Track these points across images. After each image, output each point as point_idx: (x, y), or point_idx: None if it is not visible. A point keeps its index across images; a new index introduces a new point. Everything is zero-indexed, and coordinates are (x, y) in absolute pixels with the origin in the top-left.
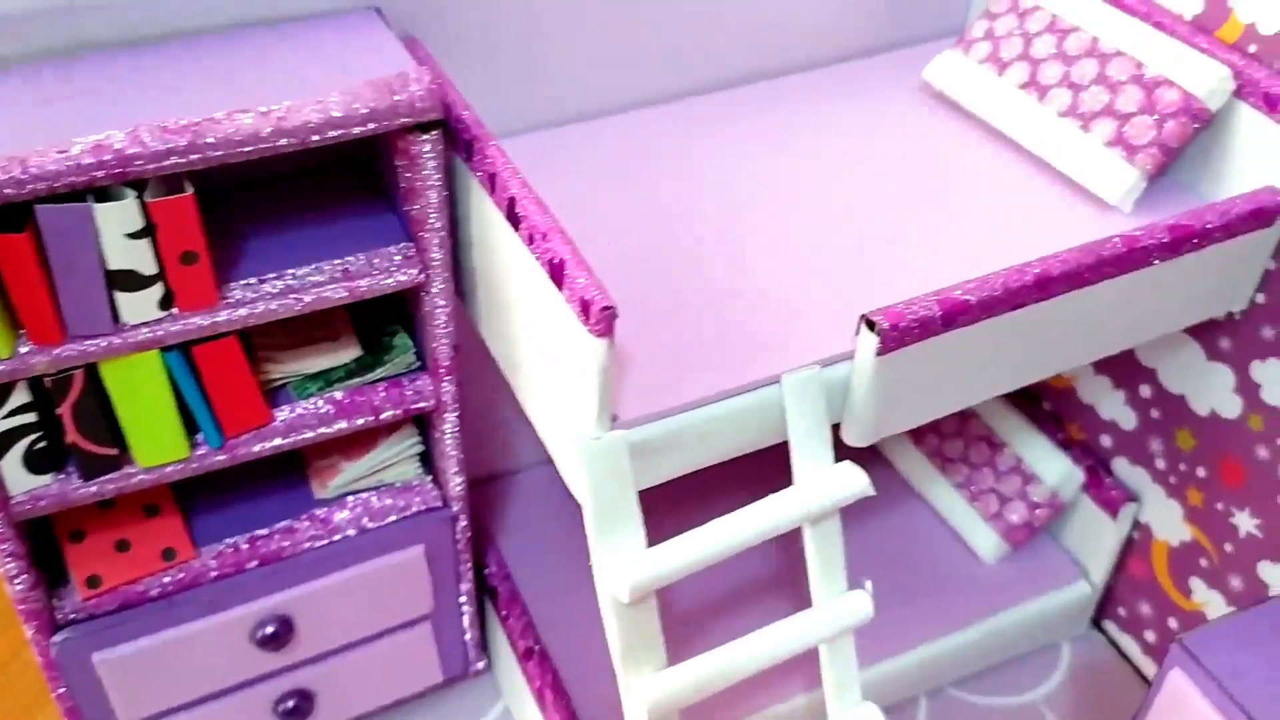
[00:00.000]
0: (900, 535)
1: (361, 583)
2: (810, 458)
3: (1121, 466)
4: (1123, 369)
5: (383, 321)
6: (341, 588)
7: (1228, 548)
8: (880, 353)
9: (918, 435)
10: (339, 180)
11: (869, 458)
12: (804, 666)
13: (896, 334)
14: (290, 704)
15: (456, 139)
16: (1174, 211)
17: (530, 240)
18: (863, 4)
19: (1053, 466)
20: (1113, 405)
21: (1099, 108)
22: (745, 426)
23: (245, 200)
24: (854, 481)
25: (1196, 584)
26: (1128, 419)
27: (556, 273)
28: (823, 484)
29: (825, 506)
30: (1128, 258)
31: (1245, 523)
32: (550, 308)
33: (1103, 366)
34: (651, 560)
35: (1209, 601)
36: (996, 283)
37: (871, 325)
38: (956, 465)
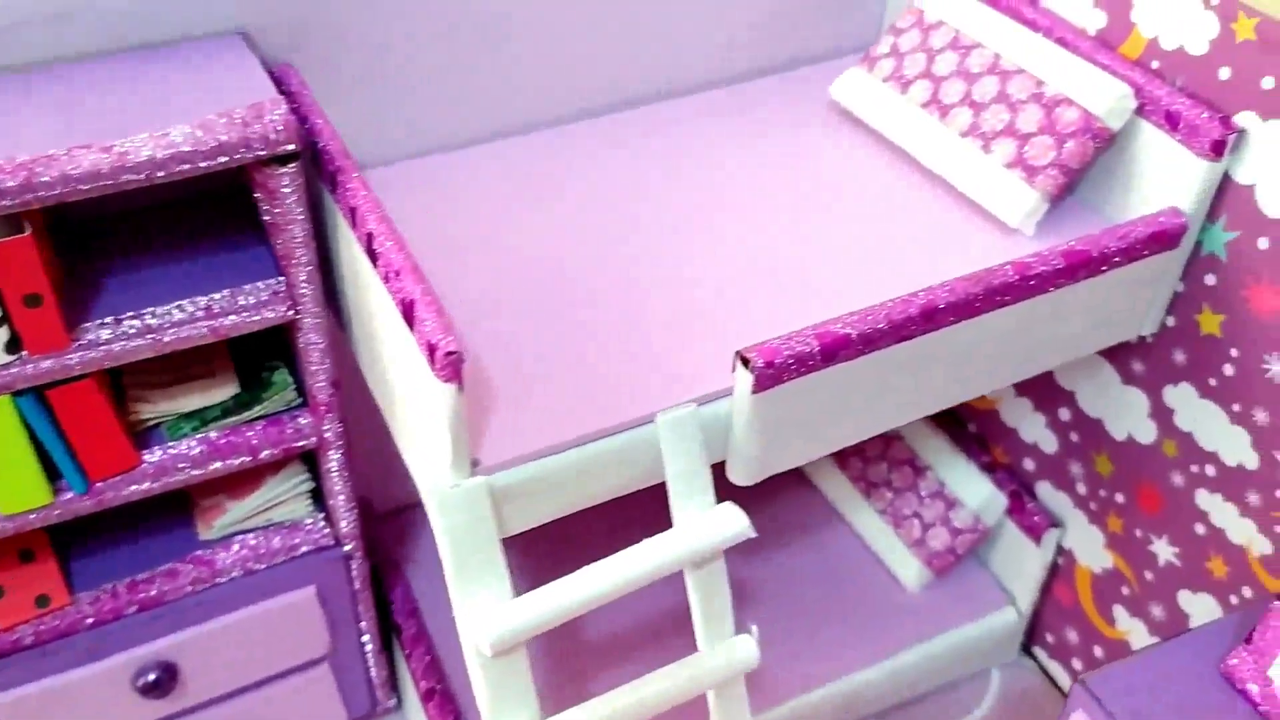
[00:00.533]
0: (825, 562)
1: (250, 626)
2: (689, 499)
3: (1045, 491)
4: (1043, 391)
5: (266, 355)
6: (228, 632)
7: (1148, 576)
8: (756, 390)
9: (842, 459)
10: (219, 210)
11: (794, 482)
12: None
13: (772, 371)
14: None
15: (323, 170)
16: (1079, 234)
17: (386, 278)
18: (772, 19)
19: (975, 491)
20: (1034, 428)
21: (1000, 127)
22: (618, 469)
23: (116, 232)
24: (734, 523)
25: (1120, 612)
26: (1049, 442)
27: (408, 313)
28: (702, 526)
29: (706, 549)
30: (1020, 286)
31: (1164, 551)
32: (407, 348)
33: (1023, 389)
34: (516, 611)
35: (1132, 630)
36: (879, 315)
37: (746, 362)
38: (880, 490)
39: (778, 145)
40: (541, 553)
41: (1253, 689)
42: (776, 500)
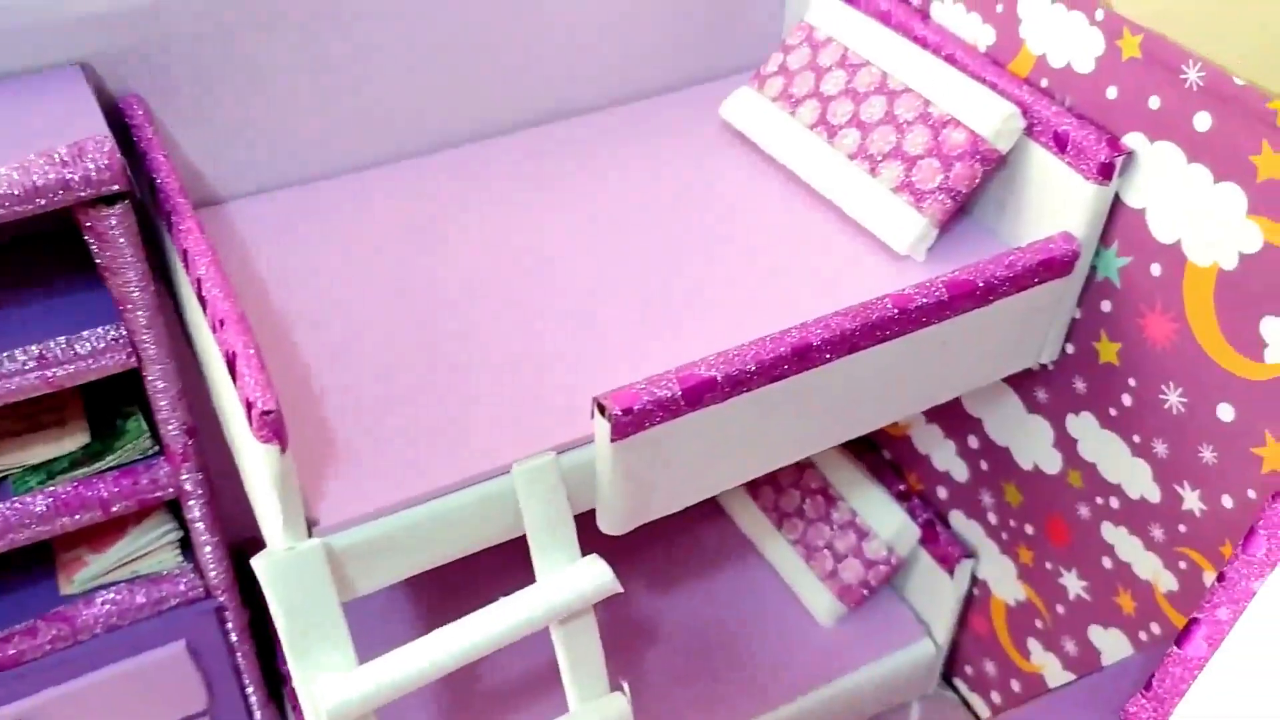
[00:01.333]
0: (739, 596)
1: (117, 684)
2: (552, 552)
3: (958, 520)
4: (951, 419)
5: (125, 399)
6: (93, 691)
7: (1059, 609)
8: (615, 439)
9: (754, 489)
10: (60, 251)
11: (708, 513)
12: None
13: (631, 418)
14: None
15: (160, 209)
16: (973, 260)
17: (213, 327)
18: (665, 36)
19: (888, 521)
20: (945, 455)
21: (887, 149)
22: (473, 524)
23: None
24: (598, 578)
25: (1034, 645)
26: (960, 470)
27: (230, 365)
28: (565, 582)
29: (571, 605)
30: (901, 320)
31: (1074, 584)
32: (236, 401)
33: (932, 415)
34: (357, 682)
35: (1046, 664)
36: (746, 356)
37: (603, 409)
38: (793, 520)
39: (662, 169)
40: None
41: None
42: (689, 533)
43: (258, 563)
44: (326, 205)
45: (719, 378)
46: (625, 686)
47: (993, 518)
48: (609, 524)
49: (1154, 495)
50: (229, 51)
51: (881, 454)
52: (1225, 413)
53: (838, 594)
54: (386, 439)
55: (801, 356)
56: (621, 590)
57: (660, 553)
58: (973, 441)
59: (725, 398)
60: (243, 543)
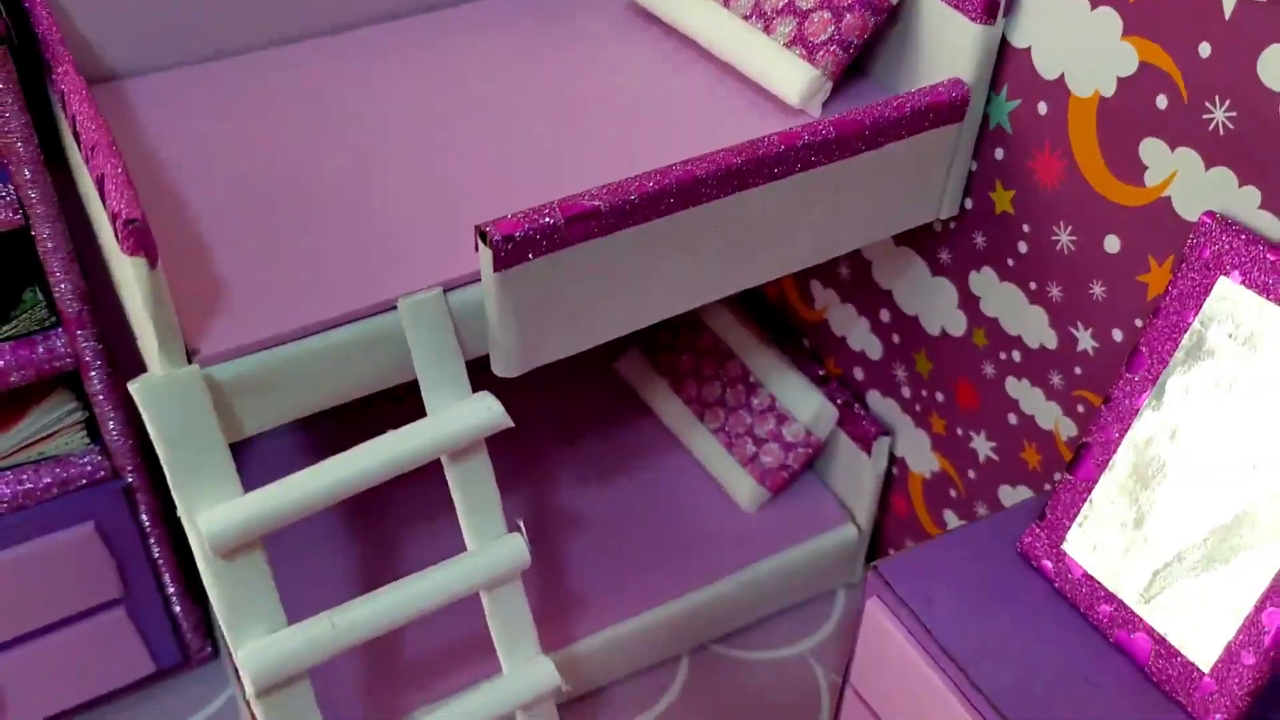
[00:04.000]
0: (663, 489)
1: (25, 564)
2: (442, 389)
3: (874, 399)
4: (863, 295)
5: (25, 274)
6: (1, 571)
7: (971, 474)
8: (498, 268)
9: (678, 384)
10: None
11: (634, 411)
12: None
13: (513, 245)
14: None
15: (43, 61)
16: None
17: (86, 158)
18: None
19: (806, 404)
20: (860, 334)
21: (780, 6)
22: (360, 360)
23: None
24: (491, 411)
25: (950, 516)
26: (874, 348)
27: (100, 188)
28: (455, 414)
29: (461, 437)
30: (788, 157)
31: (983, 447)
32: (109, 231)
33: (846, 294)
34: (239, 508)
35: None
36: (630, 188)
37: (485, 237)
38: (714, 409)
39: (565, 43)
40: None
41: (1047, 565)
42: (615, 430)
43: (134, 385)
44: (221, 81)
45: (602, 207)
46: (521, 525)
47: (906, 391)
48: (502, 365)
49: (1051, 341)
50: None
51: (801, 341)
52: (1111, 244)
53: (759, 478)
54: (271, 278)
55: (687, 190)
56: (512, 425)
57: (585, 450)
58: (884, 315)
59: (610, 230)
60: None
